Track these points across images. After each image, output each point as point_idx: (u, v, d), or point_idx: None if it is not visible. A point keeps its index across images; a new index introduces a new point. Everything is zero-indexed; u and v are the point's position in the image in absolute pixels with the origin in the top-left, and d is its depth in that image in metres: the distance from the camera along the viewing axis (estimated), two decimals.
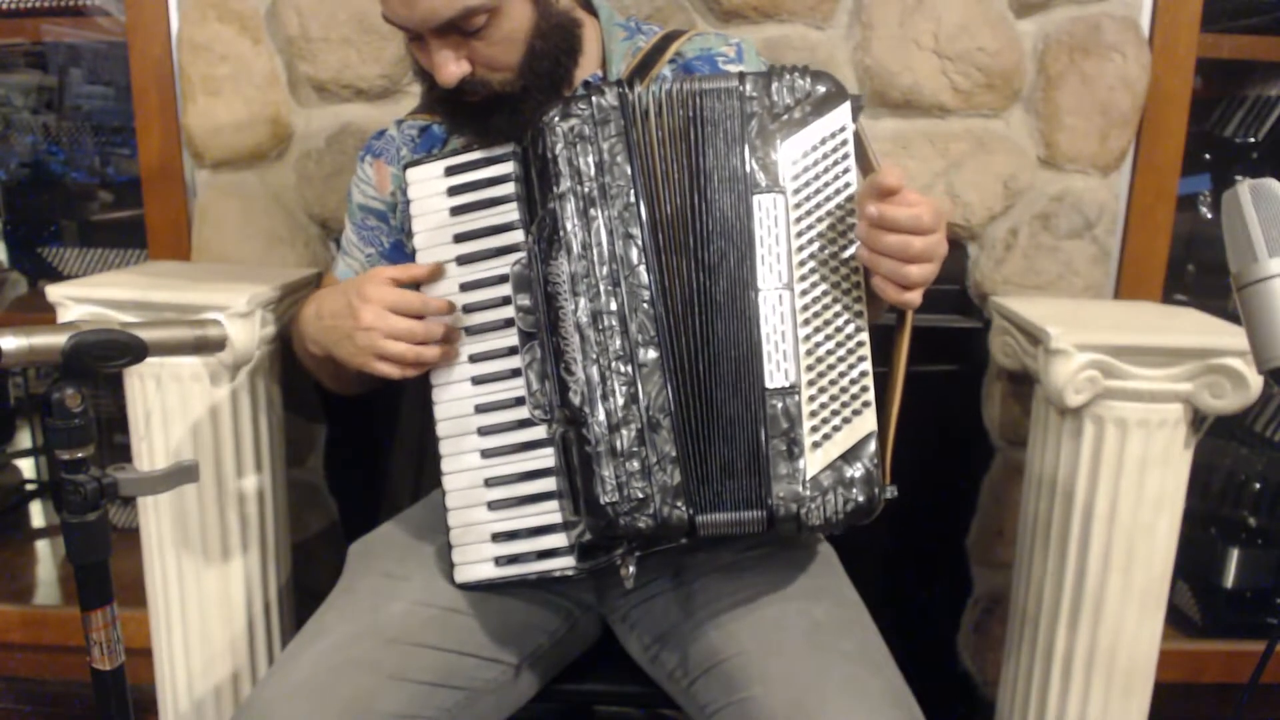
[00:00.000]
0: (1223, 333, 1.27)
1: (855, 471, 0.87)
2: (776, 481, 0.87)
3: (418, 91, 1.53)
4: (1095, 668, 1.31)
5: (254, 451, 1.39)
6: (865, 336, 0.89)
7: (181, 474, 0.83)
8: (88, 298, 1.31)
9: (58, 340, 0.76)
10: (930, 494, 1.54)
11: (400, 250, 1.15)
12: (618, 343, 0.89)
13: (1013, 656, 1.43)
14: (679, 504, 0.88)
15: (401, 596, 1.02)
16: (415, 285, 1.00)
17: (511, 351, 0.98)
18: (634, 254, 0.89)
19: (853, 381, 0.88)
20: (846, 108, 0.90)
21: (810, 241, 0.89)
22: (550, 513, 0.99)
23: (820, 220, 0.89)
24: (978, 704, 1.70)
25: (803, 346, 0.88)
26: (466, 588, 1.03)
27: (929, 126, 1.53)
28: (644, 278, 0.89)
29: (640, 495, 0.88)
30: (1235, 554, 1.84)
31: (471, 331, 1.00)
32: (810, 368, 0.88)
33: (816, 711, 0.86)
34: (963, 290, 1.59)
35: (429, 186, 1.01)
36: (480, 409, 1.00)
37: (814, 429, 0.88)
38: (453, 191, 1.00)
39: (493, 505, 1.00)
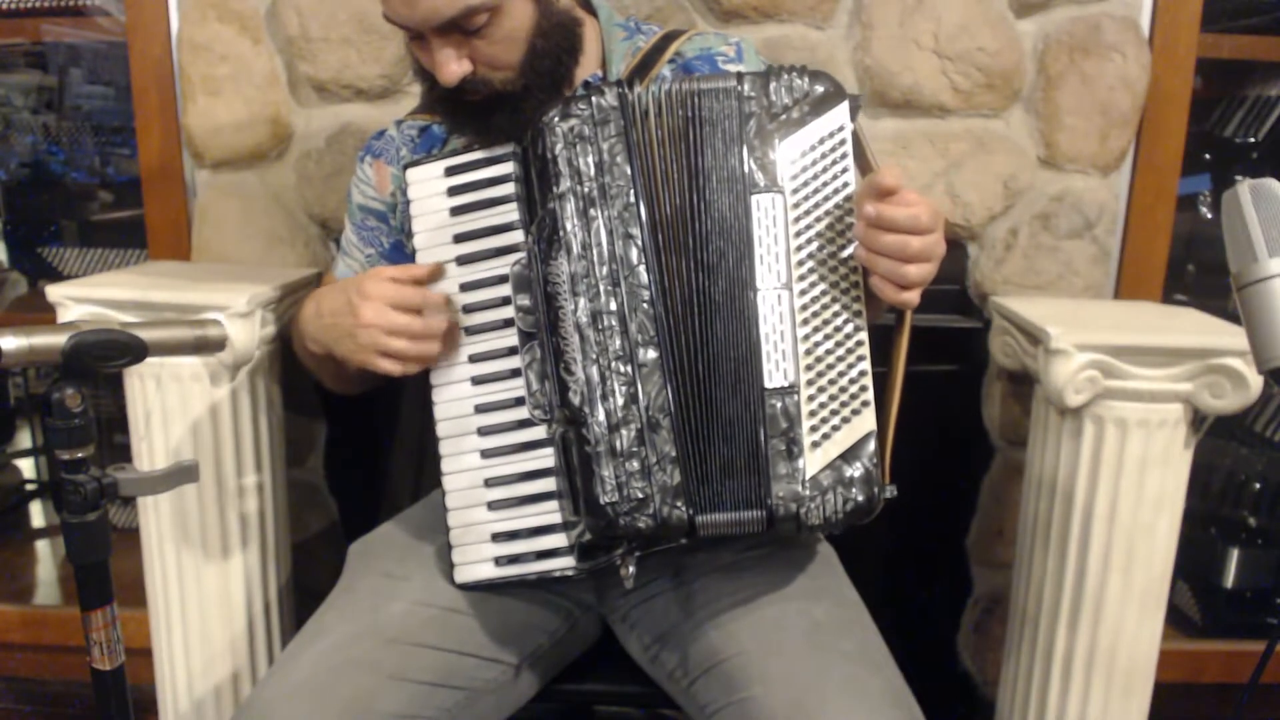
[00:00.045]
0: (1223, 333, 1.27)
1: (854, 471, 0.87)
2: (776, 481, 0.87)
3: (418, 91, 1.53)
4: (1095, 668, 1.31)
5: (254, 451, 1.39)
6: (864, 336, 0.89)
7: (181, 474, 0.83)
8: (88, 298, 1.32)
9: (58, 340, 0.76)
10: (930, 494, 1.54)
11: (400, 250, 1.15)
12: (617, 343, 0.89)
13: (1013, 656, 1.43)
14: (679, 504, 0.88)
15: (401, 596, 1.02)
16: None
17: (511, 351, 0.98)
18: (634, 254, 0.89)
19: (852, 381, 0.88)
20: (844, 107, 0.90)
21: (809, 241, 0.89)
22: (550, 513, 0.99)
23: (819, 220, 0.89)
24: (978, 704, 1.70)
25: (802, 346, 0.88)
26: (466, 588, 1.03)
27: (929, 126, 1.53)
28: (644, 278, 0.89)
29: (640, 495, 0.88)
30: (1235, 554, 1.84)
31: (471, 331, 1.00)
32: (809, 367, 0.88)
33: (816, 711, 0.86)
34: (963, 290, 1.59)
35: (429, 187, 1.01)
36: (480, 409, 1.00)
37: (813, 429, 0.88)
38: (453, 191, 1.00)
39: (493, 505, 1.00)
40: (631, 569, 0.95)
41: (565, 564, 1.00)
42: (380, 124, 1.20)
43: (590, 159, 0.90)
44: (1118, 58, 1.48)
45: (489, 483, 1.00)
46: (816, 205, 0.89)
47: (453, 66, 0.94)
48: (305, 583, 1.57)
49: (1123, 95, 1.49)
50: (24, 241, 2.37)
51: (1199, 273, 1.93)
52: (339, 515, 1.73)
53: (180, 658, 1.42)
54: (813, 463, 0.87)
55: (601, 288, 0.89)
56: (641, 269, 0.89)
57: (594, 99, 0.90)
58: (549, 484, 0.99)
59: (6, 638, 1.84)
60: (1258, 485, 1.90)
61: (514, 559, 1.01)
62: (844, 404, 0.88)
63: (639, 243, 0.89)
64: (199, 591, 1.39)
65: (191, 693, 1.42)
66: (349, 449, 1.68)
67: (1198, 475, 1.55)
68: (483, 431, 1.00)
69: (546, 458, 0.98)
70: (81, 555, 0.79)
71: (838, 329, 0.89)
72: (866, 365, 0.89)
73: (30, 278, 2.35)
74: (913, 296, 0.87)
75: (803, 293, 0.89)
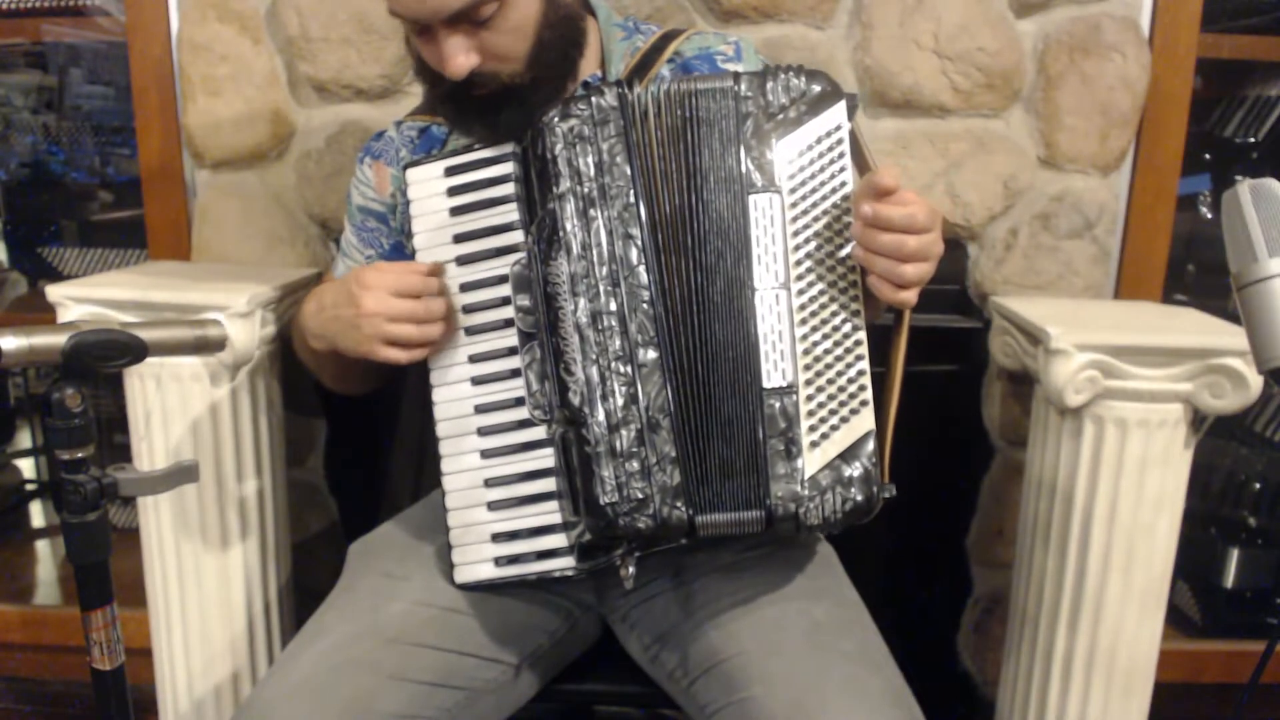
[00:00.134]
0: (1223, 333, 1.27)
1: (853, 471, 0.87)
2: (775, 481, 0.87)
3: (418, 91, 1.53)
4: (1095, 668, 1.31)
5: (254, 451, 1.39)
6: (862, 335, 0.89)
7: (181, 474, 0.83)
8: (88, 298, 1.32)
9: (58, 340, 0.76)
10: (930, 494, 1.54)
11: (400, 251, 1.15)
12: (617, 343, 0.89)
13: (1013, 656, 1.43)
14: (678, 504, 0.88)
15: (401, 596, 1.02)
16: None
17: (511, 352, 0.98)
18: (633, 254, 0.89)
19: (850, 380, 0.88)
20: (842, 106, 0.90)
21: (807, 241, 0.89)
22: (550, 513, 0.99)
23: (816, 220, 0.89)
24: (978, 704, 1.70)
25: (800, 346, 0.88)
26: (466, 588, 1.03)
27: (929, 126, 1.53)
28: (643, 278, 0.89)
29: (640, 495, 0.88)
30: (1235, 554, 1.84)
31: (471, 332, 1.00)
32: (808, 367, 0.88)
33: (816, 711, 0.86)
34: (963, 290, 1.59)
35: (429, 187, 1.01)
36: (480, 409, 1.00)
37: (812, 428, 0.88)
38: (452, 192, 1.00)
39: (493, 505, 1.00)
40: (631, 569, 0.95)
41: (565, 564, 1.00)
42: (380, 124, 1.20)
43: (590, 159, 0.90)
44: (1118, 58, 1.48)
45: (489, 483, 1.00)
46: (814, 205, 0.89)
47: (460, 59, 0.94)
48: (305, 583, 1.57)
49: (1123, 95, 1.50)
50: (24, 241, 2.37)
51: (1199, 273, 1.93)
52: (339, 515, 1.73)
53: (180, 658, 1.42)
54: (811, 462, 0.87)
55: (601, 288, 0.89)
56: (641, 269, 0.89)
57: (594, 99, 0.90)
58: (549, 484, 0.99)
59: (6, 638, 1.84)
60: (1258, 485, 1.90)
61: (514, 559, 1.01)
62: (843, 403, 0.88)
63: (639, 243, 0.89)
64: (199, 591, 1.39)
65: (191, 693, 1.42)
66: (349, 449, 1.69)
67: (1198, 475, 1.55)
68: (483, 432, 1.00)
69: (546, 458, 0.98)
70: (81, 555, 0.79)
71: (836, 328, 0.89)
72: (865, 365, 0.89)
73: (30, 278, 2.35)
74: (910, 296, 0.87)
75: (801, 292, 0.89)
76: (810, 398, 0.88)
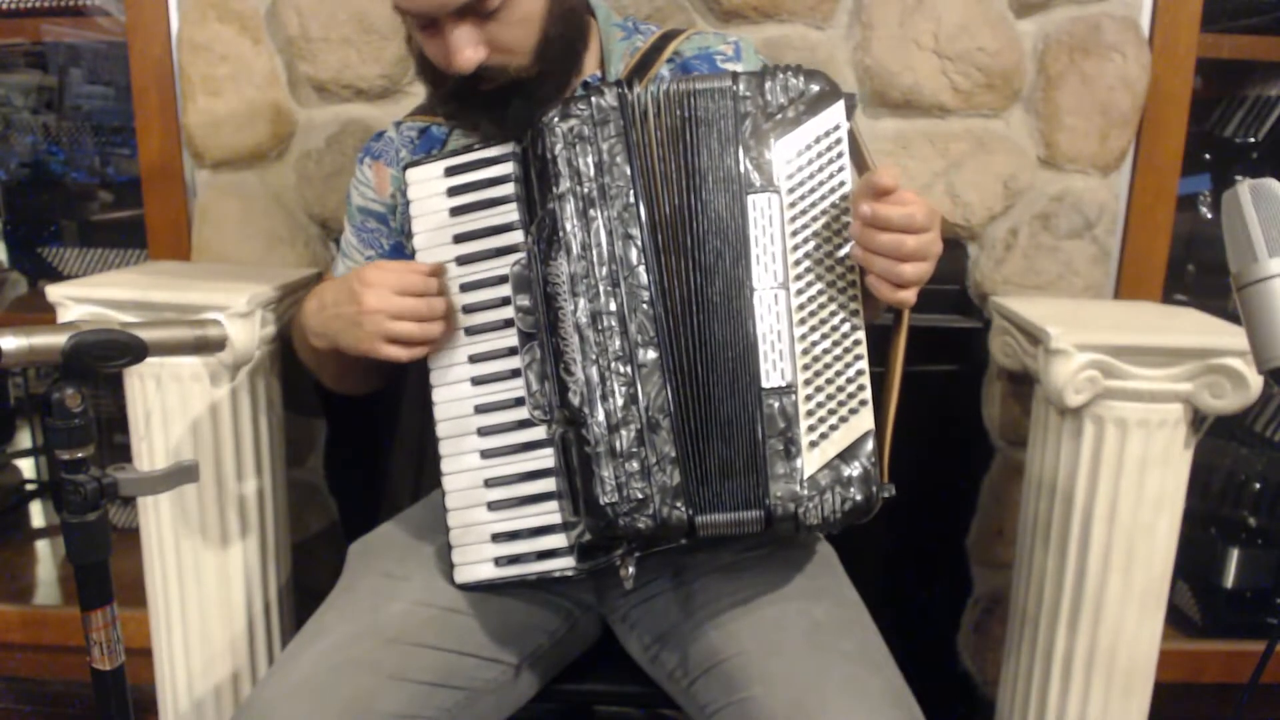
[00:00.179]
0: (1223, 333, 1.27)
1: (853, 470, 0.87)
2: (774, 481, 0.87)
3: (418, 91, 1.53)
4: (1095, 668, 1.31)
5: (254, 451, 1.39)
6: (861, 335, 0.89)
7: (181, 474, 0.83)
8: (88, 298, 1.32)
9: (58, 340, 0.77)
10: (930, 494, 1.54)
11: (400, 252, 1.15)
12: (617, 343, 0.89)
13: (1013, 656, 1.43)
14: (678, 504, 0.88)
15: (401, 596, 1.02)
16: None
17: (511, 352, 0.98)
18: (633, 254, 0.89)
19: (849, 380, 0.88)
20: (840, 106, 0.90)
21: (805, 241, 0.89)
22: (550, 513, 0.99)
23: (815, 219, 0.89)
24: (978, 704, 1.70)
25: (799, 346, 0.88)
26: (466, 588, 1.03)
27: (929, 126, 1.53)
28: (643, 278, 0.89)
29: (640, 496, 0.88)
30: (1235, 554, 1.84)
31: (471, 332, 1.00)
32: (807, 367, 0.88)
33: (817, 711, 0.86)
34: (963, 290, 1.59)
35: (429, 187, 1.01)
36: (480, 409, 1.00)
37: (811, 428, 0.88)
38: (452, 192, 1.00)
39: (493, 506, 1.00)
40: (631, 569, 0.95)
41: (565, 564, 1.00)
42: (380, 124, 1.20)
43: (590, 159, 0.90)
44: (1118, 58, 1.48)
45: (489, 483, 1.00)
46: (813, 205, 0.89)
47: (469, 53, 0.94)
48: (305, 583, 1.57)
49: (1123, 95, 1.49)
50: (24, 241, 2.37)
51: (1199, 273, 1.93)
52: (339, 515, 1.73)
53: (180, 658, 1.42)
54: (811, 462, 0.87)
55: (601, 288, 0.89)
56: (641, 269, 0.89)
57: (593, 99, 0.90)
58: (549, 484, 0.99)
59: (6, 638, 1.84)
60: (1258, 485, 1.90)
61: (514, 559, 1.01)
62: (842, 403, 0.88)
63: (639, 243, 0.89)
64: (199, 591, 1.39)
65: (191, 693, 1.42)
66: (349, 449, 1.69)
67: (1198, 475, 1.55)
68: (483, 432, 1.00)
69: (546, 458, 0.98)
70: (81, 555, 0.79)
71: (835, 328, 0.89)
72: (864, 364, 0.89)
73: (30, 278, 2.35)
74: (909, 295, 0.87)
75: (800, 292, 0.89)
76: (809, 397, 0.88)
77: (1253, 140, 1.92)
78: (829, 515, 0.87)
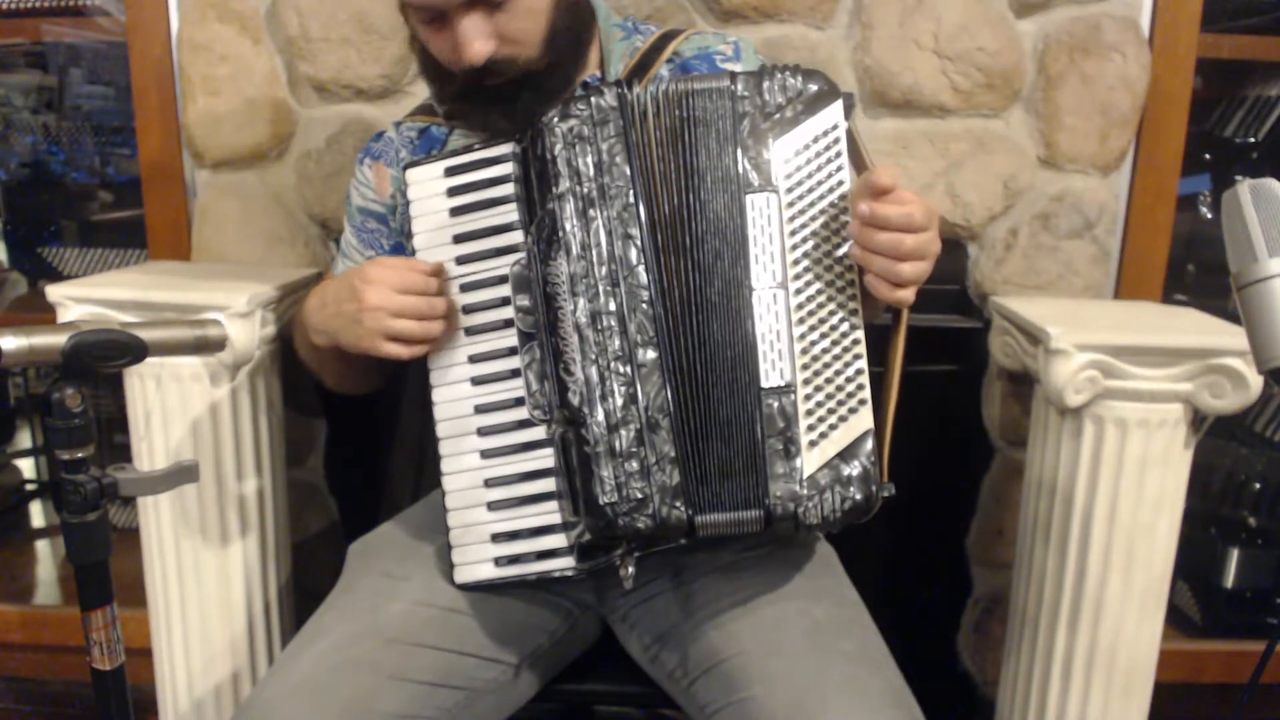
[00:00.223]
0: (1223, 333, 1.27)
1: (852, 470, 0.87)
2: (774, 481, 0.87)
3: (418, 91, 1.54)
4: (1095, 668, 1.31)
5: (254, 451, 1.39)
6: (860, 334, 0.89)
7: (181, 474, 0.83)
8: (88, 298, 1.32)
9: (58, 340, 0.77)
10: (930, 494, 1.54)
11: (400, 252, 1.14)
12: (616, 343, 0.89)
13: (1013, 656, 1.43)
14: (678, 504, 0.88)
15: (401, 596, 1.02)
16: None
17: (511, 352, 0.98)
18: (633, 254, 0.89)
19: (848, 380, 0.88)
20: (838, 106, 0.90)
21: (804, 240, 0.89)
22: (550, 513, 0.99)
23: (814, 219, 0.89)
24: (978, 704, 1.70)
25: (798, 345, 0.88)
26: (466, 588, 1.03)
27: (929, 126, 1.53)
28: (643, 278, 0.89)
29: (639, 495, 0.88)
30: (1235, 554, 1.84)
31: (471, 332, 1.00)
32: (806, 366, 0.88)
33: (817, 711, 0.86)
34: (963, 290, 1.58)
35: (429, 187, 1.01)
36: (480, 409, 1.00)
37: (810, 427, 0.88)
38: (452, 192, 1.00)
39: (492, 506, 1.00)
40: (631, 569, 0.95)
41: (565, 564, 1.00)
42: (380, 124, 1.20)
43: (589, 159, 0.90)
44: (1118, 58, 1.48)
45: (489, 483, 1.00)
46: (811, 204, 0.89)
47: (478, 45, 0.94)
48: (305, 583, 1.57)
49: (1123, 95, 1.49)
50: (24, 241, 2.37)
51: (1199, 273, 1.93)
52: (339, 515, 1.73)
53: (180, 658, 1.42)
54: (810, 462, 0.87)
55: (601, 288, 0.89)
56: (641, 269, 0.89)
57: (593, 99, 0.90)
58: (549, 484, 0.99)
59: (6, 638, 1.84)
60: (1258, 485, 1.90)
61: (514, 559, 1.01)
62: (841, 402, 0.88)
63: (638, 243, 0.89)
64: (199, 591, 1.39)
65: (191, 693, 1.42)
66: (349, 449, 1.69)
67: (1198, 475, 1.55)
68: (482, 432, 1.00)
69: (546, 458, 0.98)
70: (81, 555, 0.79)
71: (834, 327, 0.89)
72: (863, 364, 0.89)
73: (30, 278, 2.35)
74: (908, 294, 0.87)
75: (798, 291, 0.89)
76: (808, 397, 0.88)
77: (1253, 140, 1.92)
78: (828, 514, 0.87)
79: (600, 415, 0.88)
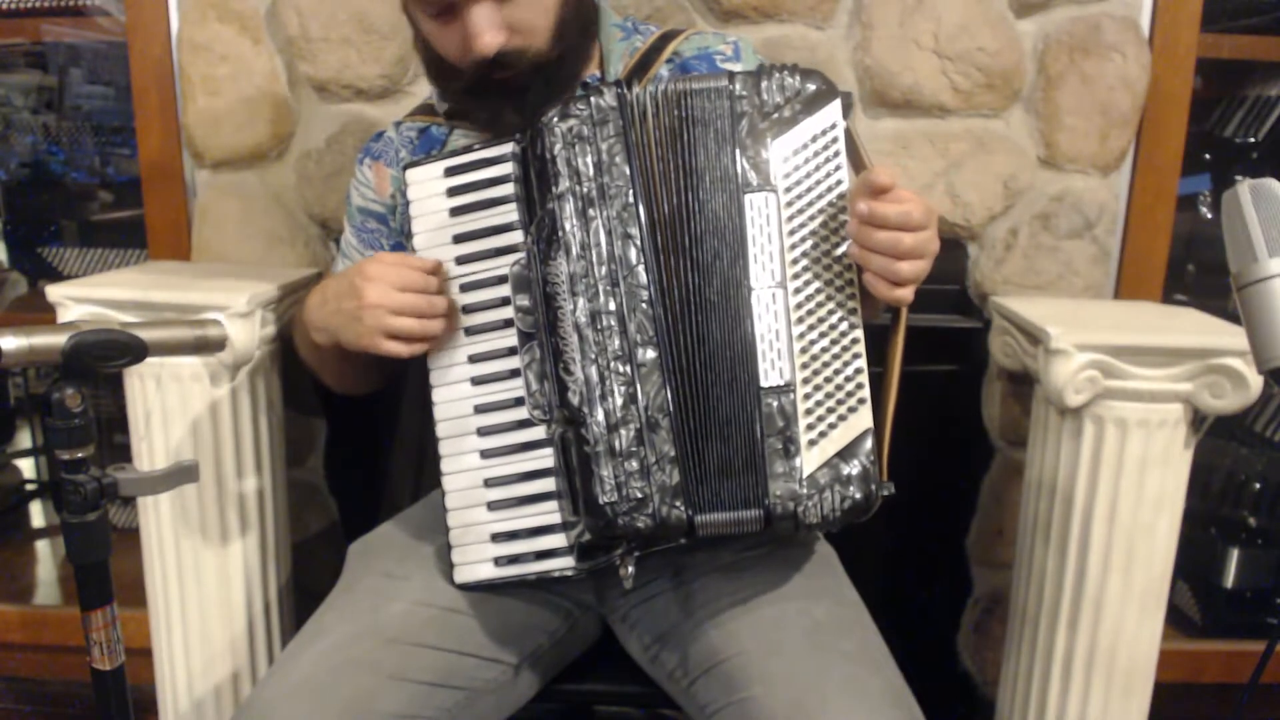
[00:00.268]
0: (1223, 333, 1.27)
1: (852, 469, 0.87)
2: (773, 480, 0.87)
3: (418, 91, 1.54)
4: (1095, 668, 1.31)
5: (254, 451, 1.39)
6: (859, 334, 0.89)
7: (181, 474, 0.83)
8: (88, 298, 1.32)
9: (58, 340, 0.77)
10: (930, 494, 1.54)
11: (400, 251, 1.15)
12: (616, 343, 0.89)
13: (1013, 656, 1.43)
14: (678, 504, 0.88)
15: (401, 596, 1.02)
16: None
17: (511, 352, 0.98)
18: (633, 254, 0.89)
19: (848, 379, 0.88)
20: (837, 105, 0.90)
21: (803, 240, 0.89)
22: (550, 513, 0.99)
23: (813, 218, 0.89)
24: (978, 704, 1.70)
25: (797, 344, 0.88)
26: (466, 588, 1.03)
27: (929, 126, 1.53)
28: (642, 278, 0.89)
29: (639, 495, 0.88)
30: (1235, 554, 1.84)
31: (471, 332, 1.00)
32: (805, 365, 0.88)
33: (817, 711, 0.86)
34: (963, 290, 1.58)
35: (429, 187, 1.01)
36: (480, 409, 1.00)
37: (810, 427, 0.88)
38: (452, 192, 1.00)
39: (492, 505, 1.00)
40: (631, 569, 0.95)
41: (565, 564, 1.00)
42: (380, 124, 1.20)
43: (589, 159, 0.90)
44: (1118, 58, 1.48)
45: (489, 483, 1.00)
46: (810, 204, 0.89)
47: (489, 35, 0.94)
48: (305, 583, 1.57)
49: (1123, 95, 1.49)
50: (24, 241, 2.37)
51: (1199, 273, 1.93)
52: (339, 515, 1.73)
53: (180, 658, 1.42)
54: (810, 461, 0.87)
55: (600, 288, 0.89)
56: (640, 269, 0.89)
57: (593, 99, 0.90)
58: (548, 484, 0.99)
59: (6, 638, 1.84)
60: (1258, 485, 1.90)
61: (514, 559, 1.01)
62: (840, 402, 0.88)
63: (638, 243, 0.89)
64: (199, 591, 1.39)
65: (191, 693, 1.42)
66: (349, 449, 1.69)
67: (1198, 475, 1.55)
68: (482, 432, 1.00)
69: (546, 458, 0.98)
70: (81, 555, 0.79)
71: (833, 326, 0.89)
72: (862, 363, 0.89)
73: (30, 278, 2.35)
74: (906, 293, 0.87)
75: (797, 291, 0.89)
76: (808, 396, 0.88)
77: (1253, 140, 1.92)
78: (828, 514, 0.87)
79: (600, 415, 0.88)
